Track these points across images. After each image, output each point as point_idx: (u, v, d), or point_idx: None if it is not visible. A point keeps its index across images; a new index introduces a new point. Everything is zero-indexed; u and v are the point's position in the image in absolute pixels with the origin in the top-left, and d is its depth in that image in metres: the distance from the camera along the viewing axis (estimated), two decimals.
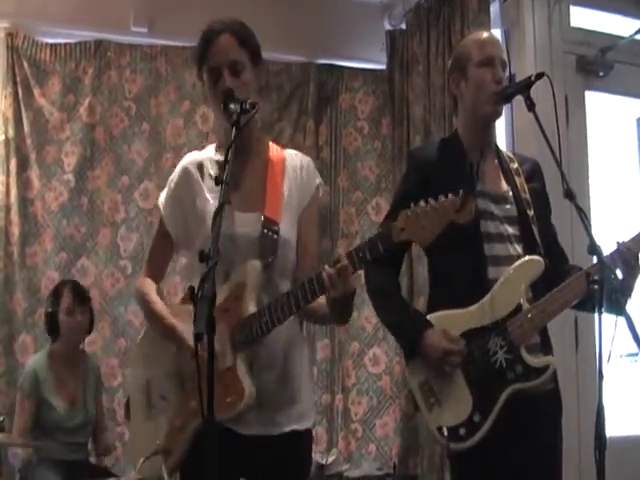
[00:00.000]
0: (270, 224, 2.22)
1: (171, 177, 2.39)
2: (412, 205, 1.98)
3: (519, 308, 2.55)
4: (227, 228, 2.10)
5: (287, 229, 2.26)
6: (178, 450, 2.20)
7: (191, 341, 2.05)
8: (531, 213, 2.69)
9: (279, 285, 2.24)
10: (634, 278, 2.52)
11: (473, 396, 2.54)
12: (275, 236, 2.21)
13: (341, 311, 2.14)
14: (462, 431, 2.53)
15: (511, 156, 2.84)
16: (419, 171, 2.76)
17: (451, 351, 2.53)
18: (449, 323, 2.61)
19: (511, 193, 2.71)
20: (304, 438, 2.29)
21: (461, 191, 1.93)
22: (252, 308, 2.14)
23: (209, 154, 2.37)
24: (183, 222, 2.31)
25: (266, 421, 2.17)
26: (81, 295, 4.13)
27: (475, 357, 2.56)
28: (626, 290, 2.44)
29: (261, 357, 2.16)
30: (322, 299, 2.11)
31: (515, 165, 2.79)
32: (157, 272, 2.42)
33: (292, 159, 2.39)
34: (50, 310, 4.09)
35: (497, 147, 2.85)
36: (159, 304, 2.30)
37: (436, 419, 2.58)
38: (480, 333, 2.57)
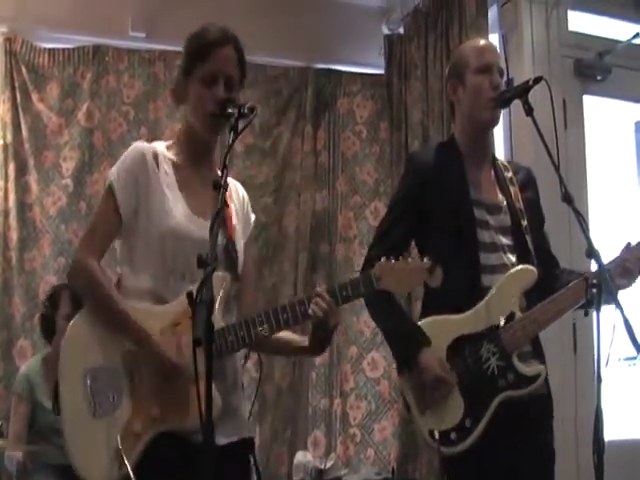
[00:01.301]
0: (230, 241, 2.23)
1: (124, 155, 2.27)
2: (384, 259, 2.13)
3: (512, 316, 2.57)
4: (193, 231, 2.12)
5: (239, 249, 2.28)
6: (134, 455, 2.08)
7: (175, 359, 2.06)
8: (524, 223, 2.71)
9: (230, 303, 2.25)
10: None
11: (465, 401, 2.56)
12: (235, 253, 2.24)
13: (321, 342, 2.20)
14: (453, 435, 2.54)
15: (506, 164, 2.86)
16: (418, 174, 2.78)
17: (443, 380, 2.55)
18: (442, 328, 2.63)
19: (505, 203, 2.73)
20: (252, 446, 2.30)
21: (426, 259, 2.15)
22: (221, 321, 2.11)
23: (161, 149, 2.31)
24: (135, 203, 2.21)
25: (223, 430, 2.12)
26: (79, 301, 4.08)
27: (467, 363, 2.58)
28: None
29: (218, 368, 2.09)
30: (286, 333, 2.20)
31: (509, 174, 2.80)
32: (100, 254, 2.23)
33: (235, 187, 2.41)
34: (47, 313, 4.07)
35: (493, 156, 2.86)
36: (127, 308, 2.14)
37: (428, 422, 2.59)
38: (473, 339, 2.59)
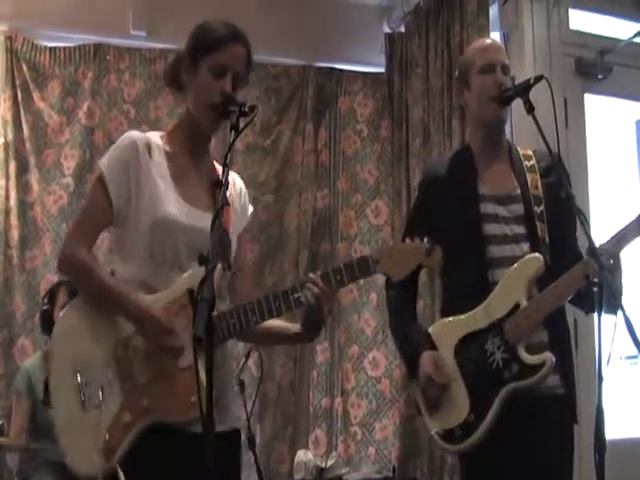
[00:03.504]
0: (224, 231, 2.19)
1: (116, 144, 2.25)
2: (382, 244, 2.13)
3: (517, 307, 2.54)
4: (182, 219, 2.12)
5: (233, 240, 2.27)
6: (122, 447, 2.05)
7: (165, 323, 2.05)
8: (539, 209, 2.65)
9: (223, 292, 2.23)
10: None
11: (470, 398, 2.54)
12: (228, 242, 2.21)
13: (314, 328, 2.17)
14: (458, 432, 2.53)
15: (529, 153, 2.80)
16: (425, 187, 2.86)
17: (433, 378, 2.57)
18: (450, 330, 2.64)
19: (519, 191, 2.69)
20: (239, 437, 2.31)
21: (426, 239, 2.11)
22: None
23: (155, 139, 2.27)
24: (126, 191, 2.17)
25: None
26: (76, 294, 4.10)
27: (473, 359, 2.57)
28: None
29: (216, 356, 2.14)
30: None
31: (532, 162, 2.75)
32: (90, 244, 2.20)
33: (232, 179, 2.37)
34: (45, 308, 4.11)
35: (510, 147, 2.83)
36: (121, 288, 2.13)
37: (436, 423, 2.59)
38: (479, 335, 2.57)
